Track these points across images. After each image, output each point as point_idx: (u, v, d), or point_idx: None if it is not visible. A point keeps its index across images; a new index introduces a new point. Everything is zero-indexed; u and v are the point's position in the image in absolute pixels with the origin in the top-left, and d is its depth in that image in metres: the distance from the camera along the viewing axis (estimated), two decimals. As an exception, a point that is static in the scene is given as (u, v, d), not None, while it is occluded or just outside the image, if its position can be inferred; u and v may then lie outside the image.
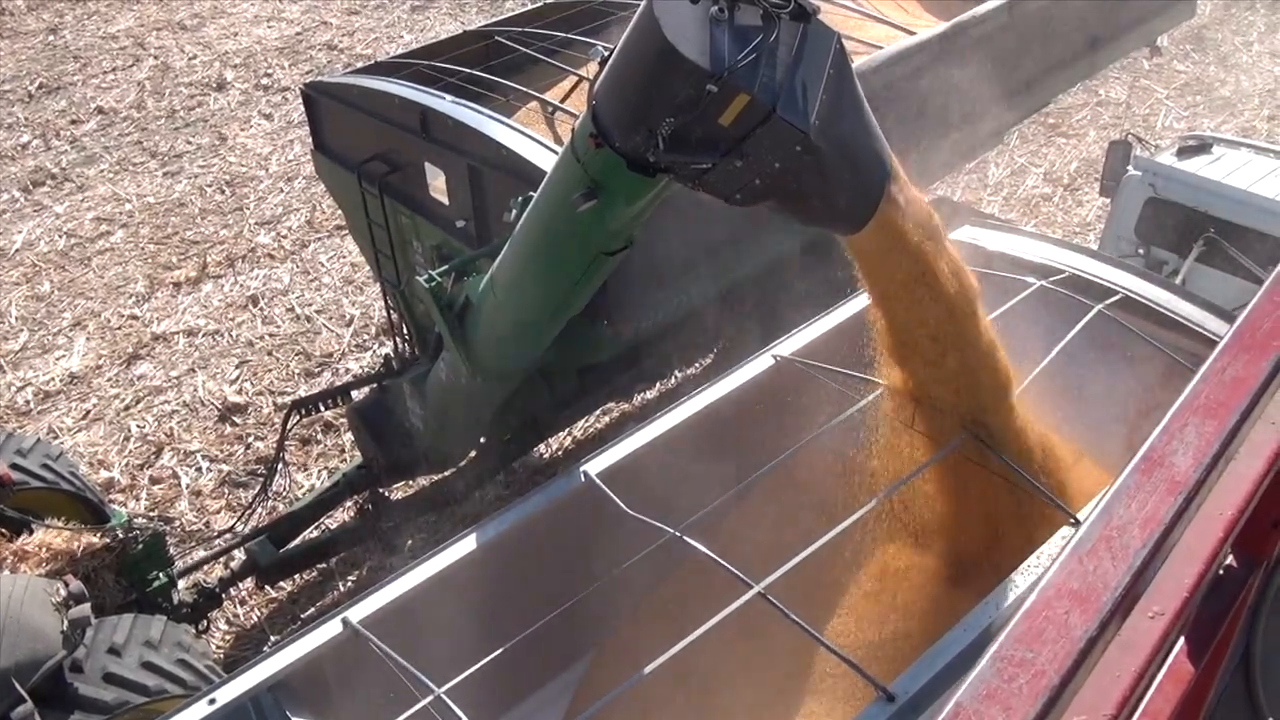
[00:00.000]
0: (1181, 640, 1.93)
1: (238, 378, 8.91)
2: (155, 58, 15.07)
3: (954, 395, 3.88)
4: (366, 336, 9.33)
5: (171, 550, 6.14)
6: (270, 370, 8.98)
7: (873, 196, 3.36)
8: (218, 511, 7.61)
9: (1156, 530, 1.33)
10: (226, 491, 7.80)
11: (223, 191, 11.72)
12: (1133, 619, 1.35)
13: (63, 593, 4.62)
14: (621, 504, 3.85)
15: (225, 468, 8.00)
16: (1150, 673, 1.37)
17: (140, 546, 5.60)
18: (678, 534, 3.68)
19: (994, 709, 1.09)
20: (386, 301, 7.49)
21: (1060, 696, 1.13)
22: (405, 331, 7.04)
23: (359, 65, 8.52)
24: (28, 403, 8.72)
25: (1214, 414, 1.50)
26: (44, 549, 5.18)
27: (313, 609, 6.91)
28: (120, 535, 5.50)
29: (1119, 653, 1.31)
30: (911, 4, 7.81)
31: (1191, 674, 1.90)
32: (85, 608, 4.62)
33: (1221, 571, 2.11)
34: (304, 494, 7.36)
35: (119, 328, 9.63)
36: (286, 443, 6.88)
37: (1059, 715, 1.15)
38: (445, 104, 5.98)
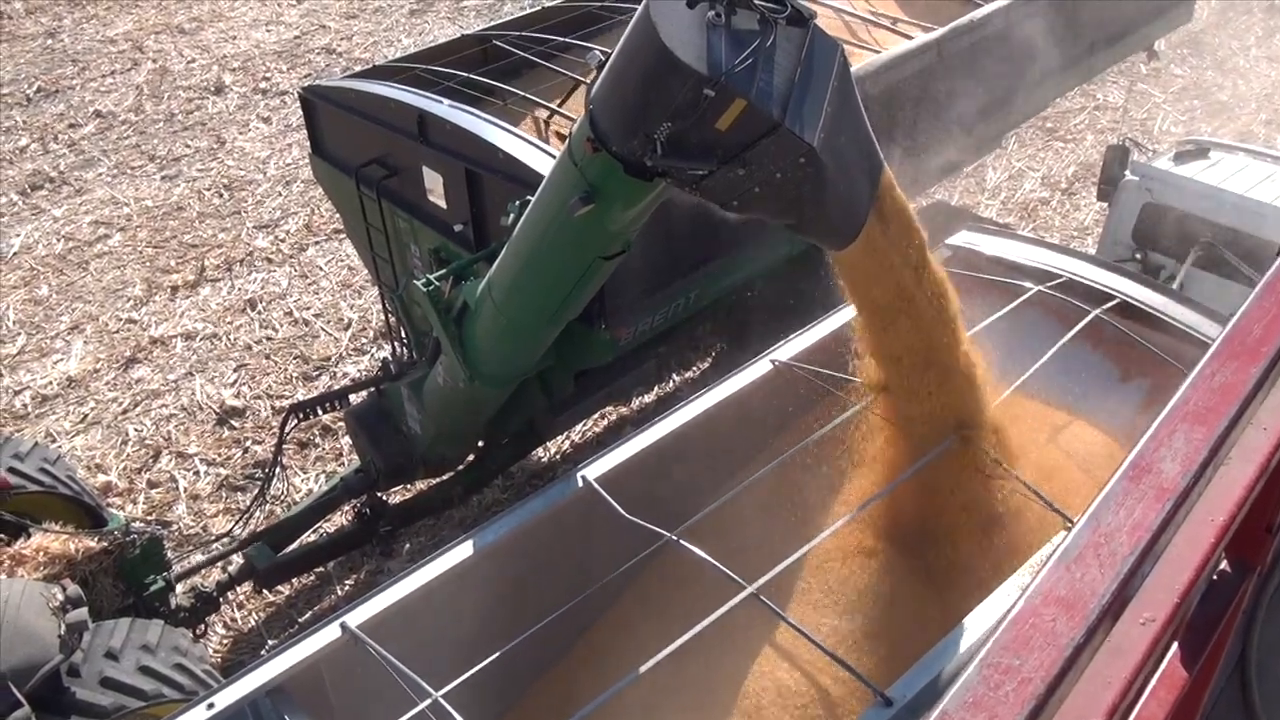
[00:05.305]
0: (1175, 646, 1.93)
1: (235, 381, 8.91)
2: (154, 61, 15.08)
3: (924, 410, 3.96)
4: (364, 340, 9.33)
5: (169, 554, 6.13)
6: (268, 374, 8.98)
7: (862, 212, 3.39)
8: (215, 515, 7.60)
9: (1144, 537, 1.33)
10: (224, 495, 7.80)
11: (221, 195, 11.72)
12: (1123, 625, 1.35)
13: (60, 597, 4.62)
14: (619, 508, 3.85)
15: (223, 471, 8.00)
16: (1142, 679, 1.37)
17: (138, 550, 5.59)
18: (674, 537, 3.69)
19: (979, 717, 1.09)
20: (384, 305, 7.50)
21: (1047, 704, 1.14)
22: (403, 335, 7.05)
23: (357, 69, 8.52)
24: (25, 406, 8.71)
25: (1203, 420, 1.51)
26: (41, 553, 5.18)
27: (310, 613, 6.91)
28: (118, 539, 5.50)
29: (1109, 659, 1.31)
30: (889, 5, 7.81)
31: (1185, 679, 1.90)
32: (82, 612, 4.61)
33: (1215, 576, 2.12)
34: (302, 498, 7.36)
35: (117, 331, 9.63)
36: (284, 446, 6.87)
37: (1047, 722, 1.16)
38: (443, 108, 5.99)
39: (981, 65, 6.90)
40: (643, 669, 3.30)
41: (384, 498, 6.79)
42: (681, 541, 3.67)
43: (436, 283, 5.12)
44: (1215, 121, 11.95)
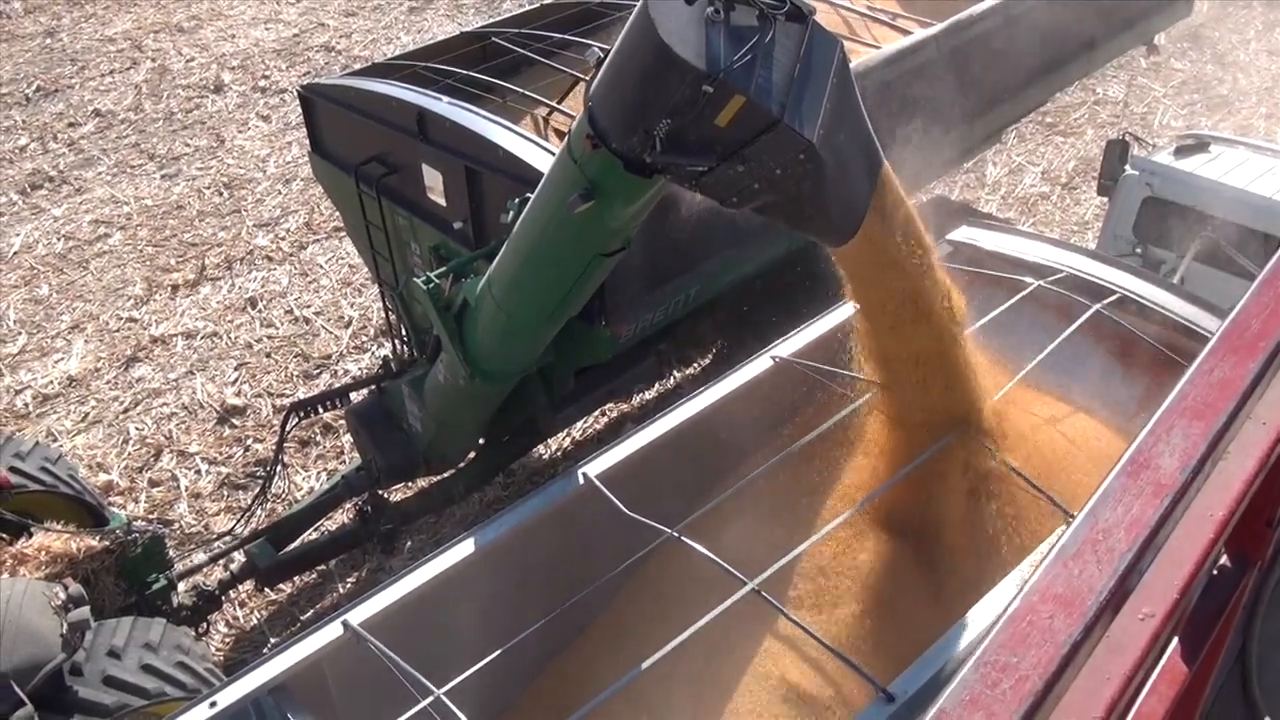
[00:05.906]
0: (1175, 640, 1.94)
1: (236, 380, 8.92)
2: (153, 60, 15.07)
3: (925, 406, 3.96)
4: (365, 338, 9.33)
5: (171, 553, 6.14)
6: (269, 372, 8.99)
7: (862, 208, 3.39)
8: (217, 514, 7.61)
9: (1143, 533, 1.33)
10: (225, 494, 7.81)
11: (221, 194, 11.72)
12: (1122, 621, 1.35)
13: (62, 596, 4.63)
14: (621, 505, 3.86)
15: (224, 470, 8.00)
16: (1141, 674, 1.37)
17: (139, 549, 5.60)
18: (675, 534, 3.69)
19: (977, 715, 1.09)
20: (384, 303, 7.50)
21: (1044, 701, 1.14)
22: (403, 333, 7.05)
23: (356, 67, 8.52)
24: (26, 406, 8.72)
25: (1201, 416, 1.50)
26: (43, 552, 5.19)
27: (312, 611, 6.92)
28: (119, 538, 5.51)
29: (1108, 655, 1.31)
30: (888, 1, 7.80)
31: (1186, 674, 1.90)
32: (84, 610, 4.62)
33: (1215, 571, 2.12)
34: (303, 496, 7.37)
35: (117, 330, 9.64)
36: (285, 445, 6.88)
37: (1045, 719, 1.16)
38: (442, 105, 5.98)
39: (981, 60, 6.89)
40: (644, 665, 3.31)
41: (385, 495, 6.79)
42: (683, 538, 3.67)
43: (437, 280, 5.12)
44: (1215, 115, 11.93)
